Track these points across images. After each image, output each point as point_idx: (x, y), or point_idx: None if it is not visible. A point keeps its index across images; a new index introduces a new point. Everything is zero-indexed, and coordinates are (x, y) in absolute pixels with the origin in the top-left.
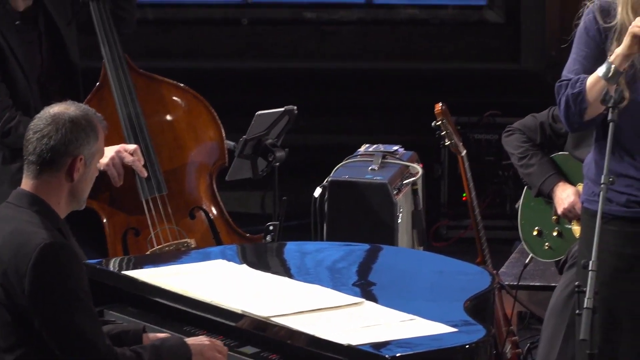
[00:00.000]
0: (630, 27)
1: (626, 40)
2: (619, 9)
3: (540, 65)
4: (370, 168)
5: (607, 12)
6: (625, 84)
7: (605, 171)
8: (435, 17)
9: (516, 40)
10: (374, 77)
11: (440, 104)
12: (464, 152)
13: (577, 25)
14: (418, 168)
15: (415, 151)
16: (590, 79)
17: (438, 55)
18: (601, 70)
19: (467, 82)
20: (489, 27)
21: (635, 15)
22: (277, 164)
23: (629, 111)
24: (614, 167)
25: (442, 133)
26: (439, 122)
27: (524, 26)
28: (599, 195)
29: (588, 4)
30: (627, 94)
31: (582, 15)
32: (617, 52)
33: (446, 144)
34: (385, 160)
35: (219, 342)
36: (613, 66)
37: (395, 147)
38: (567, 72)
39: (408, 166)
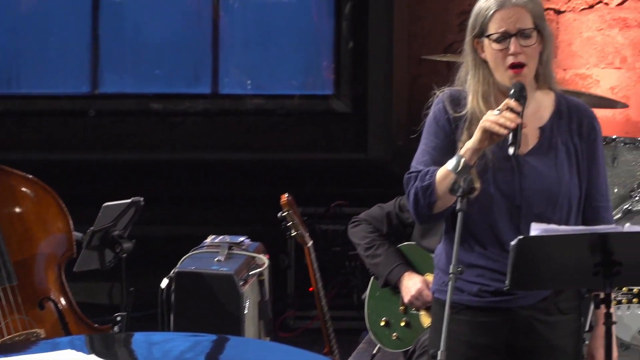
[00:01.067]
0: (481, 121)
1: (477, 134)
2: (469, 98)
3: (387, 155)
4: (216, 259)
5: (457, 101)
6: (477, 173)
7: (453, 261)
8: (282, 107)
9: (363, 130)
10: (221, 168)
11: (286, 195)
12: (310, 243)
13: (426, 114)
14: (264, 259)
15: (262, 242)
16: (440, 172)
17: (284, 146)
18: (451, 164)
19: (314, 173)
20: (336, 117)
21: (486, 104)
22: (125, 255)
23: (480, 201)
24: (465, 257)
25: (289, 224)
26: (285, 213)
27: (371, 116)
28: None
29: (437, 93)
30: (477, 185)
31: (431, 104)
32: (467, 146)
33: (292, 234)
34: (232, 252)
35: None
36: (463, 160)
37: (242, 238)
38: (416, 163)
39: (254, 257)
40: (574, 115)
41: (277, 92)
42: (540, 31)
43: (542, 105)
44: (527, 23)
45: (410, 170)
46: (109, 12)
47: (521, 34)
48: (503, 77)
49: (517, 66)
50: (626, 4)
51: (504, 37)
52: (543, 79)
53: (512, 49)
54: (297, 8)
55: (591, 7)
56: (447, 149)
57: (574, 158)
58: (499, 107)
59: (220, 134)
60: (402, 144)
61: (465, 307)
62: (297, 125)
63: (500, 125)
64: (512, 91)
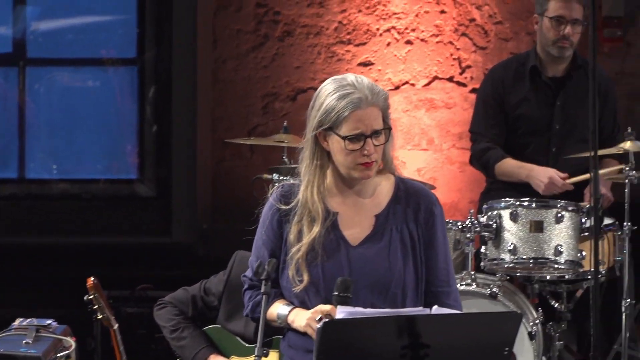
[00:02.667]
0: (305, 321)
1: (299, 327)
2: (302, 187)
3: (191, 238)
4: (24, 341)
5: (288, 194)
6: (306, 266)
7: (258, 344)
8: (87, 191)
9: (167, 214)
10: (28, 252)
11: (92, 278)
12: (116, 326)
13: (263, 205)
14: (71, 341)
15: (68, 325)
16: (270, 311)
17: (90, 230)
18: (281, 311)
19: (119, 256)
20: (140, 201)
21: (319, 194)
22: None
23: (309, 292)
24: (302, 342)
25: (95, 307)
26: (91, 296)
27: (175, 200)
28: None
29: (272, 190)
30: (305, 277)
31: (269, 196)
32: (295, 322)
33: (98, 317)
34: (39, 334)
35: None
36: (287, 321)
37: (49, 321)
38: (252, 258)
39: (61, 339)
40: (412, 201)
41: (82, 177)
42: (386, 127)
43: (380, 191)
44: (379, 123)
45: (248, 275)
46: None
47: (374, 133)
48: (351, 170)
49: (368, 162)
50: (432, 84)
51: (358, 138)
52: (384, 164)
53: (367, 150)
54: (101, 92)
55: (397, 87)
56: (276, 243)
57: (409, 244)
58: (320, 310)
59: (26, 218)
60: (207, 227)
61: None
62: (102, 209)
63: (314, 331)
64: (336, 288)
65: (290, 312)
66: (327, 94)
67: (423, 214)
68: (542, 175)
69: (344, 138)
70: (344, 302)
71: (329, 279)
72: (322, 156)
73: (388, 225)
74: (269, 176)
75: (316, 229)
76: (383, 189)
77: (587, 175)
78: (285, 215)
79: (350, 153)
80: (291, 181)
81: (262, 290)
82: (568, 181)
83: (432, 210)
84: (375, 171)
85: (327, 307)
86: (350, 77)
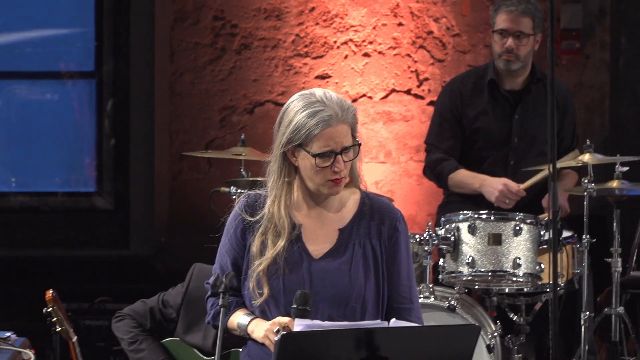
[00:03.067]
0: (264, 333)
1: (261, 338)
2: (269, 201)
3: (149, 251)
4: None
5: (253, 206)
6: (266, 279)
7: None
8: (46, 204)
9: (125, 227)
10: None
11: (51, 291)
12: (74, 338)
13: (227, 217)
14: (30, 354)
15: (27, 337)
16: (230, 320)
17: (49, 242)
18: (242, 321)
19: (78, 269)
20: (99, 214)
21: (286, 209)
22: None
23: (270, 305)
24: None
25: (54, 319)
26: (50, 309)
27: (133, 213)
28: None
29: (237, 200)
30: (266, 290)
31: (234, 206)
32: (254, 333)
33: (57, 330)
34: None
35: None
36: (247, 332)
37: (8, 334)
38: (217, 265)
39: (20, 352)
40: (377, 216)
41: (41, 190)
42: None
43: (346, 205)
44: (349, 139)
45: (210, 282)
46: None
47: (344, 150)
48: (320, 186)
49: (337, 179)
50: (390, 97)
51: (328, 155)
52: (351, 179)
53: (337, 167)
54: (59, 105)
55: (355, 100)
56: (239, 252)
57: (371, 260)
58: (278, 323)
59: None
60: (165, 240)
61: None
62: (61, 222)
63: (272, 342)
64: (295, 301)
65: (250, 322)
66: (296, 110)
67: (387, 229)
68: (495, 183)
69: (315, 156)
70: (302, 315)
71: (289, 292)
72: (290, 172)
73: (351, 240)
74: (227, 189)
75: (281, 243)
76: (349, 204)
77: (538, 177)
78: (249, 226)
79: (320, 170)
80: (257, 192)
81: (220, 302)
82: (522, 186)
83: (396, 227)
84: (343, 185)
85: (285, 320)
86: (318, 92)
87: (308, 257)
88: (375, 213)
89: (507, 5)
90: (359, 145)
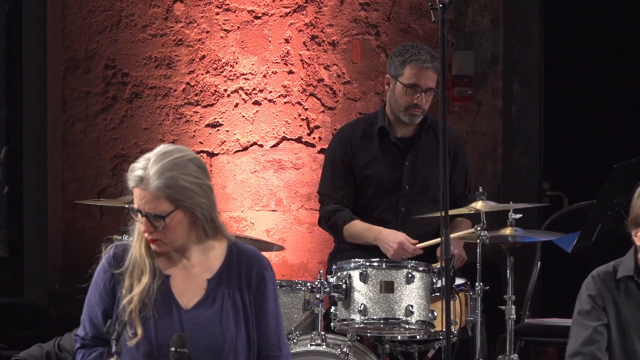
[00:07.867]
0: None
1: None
2: (133, 242)
3: (43, 298)
4: None
5: (120, 258)
6: (139, 321)
7: None
8: None
9: (19, 274)
10: None
11: None
12: None
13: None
14: None
15: None
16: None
17: None
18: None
19: None
20: None
21: (147, 246)
22: None
23: (142, 351)
24: None
25: None
26: None
27: (27, 260)
28: None
29: (104, 251)
30: (139, 331)
31: (102, 256)
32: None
33: None
34: None
35: None
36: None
37: None
38: (86, 317)
39: None
40: (244, 265)
41: None
42: (180, 205)
43: (213, 255)
44: (164, 207)
45: (80, 334)
46: None
47: (152, 217)
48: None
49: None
50: (281, 145)
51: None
52: (216, 230)
53: (143, 228)
54: None
55: (245, 149)
56: (109, 302)
57: (241, 310)
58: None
59: None
60: (58, 287)
61: None
62: None
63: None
64: (172, 344)
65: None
66: None
67: (255, 278)
68: (391, 239)
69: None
70: (181, 357)
71: (161, 339)
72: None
73: (220, 290)
74: (119, 237)
75: (145, 279)
76: (215, 253)
77: (436, 240)
78: (118, 277)
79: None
80: (124, 242)
81: (113, 349)
82: (418, 246)
83: (264, 275)
84: (167, 247)
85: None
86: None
87: (177, 307)
88: (243, 262)
89: (418, 60)
90: (183, 207)
